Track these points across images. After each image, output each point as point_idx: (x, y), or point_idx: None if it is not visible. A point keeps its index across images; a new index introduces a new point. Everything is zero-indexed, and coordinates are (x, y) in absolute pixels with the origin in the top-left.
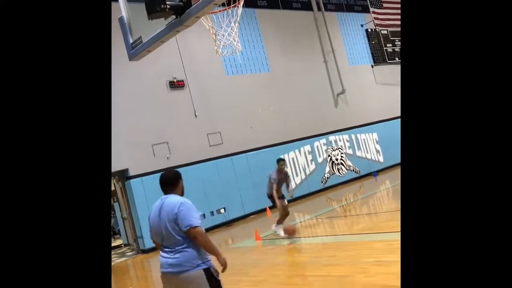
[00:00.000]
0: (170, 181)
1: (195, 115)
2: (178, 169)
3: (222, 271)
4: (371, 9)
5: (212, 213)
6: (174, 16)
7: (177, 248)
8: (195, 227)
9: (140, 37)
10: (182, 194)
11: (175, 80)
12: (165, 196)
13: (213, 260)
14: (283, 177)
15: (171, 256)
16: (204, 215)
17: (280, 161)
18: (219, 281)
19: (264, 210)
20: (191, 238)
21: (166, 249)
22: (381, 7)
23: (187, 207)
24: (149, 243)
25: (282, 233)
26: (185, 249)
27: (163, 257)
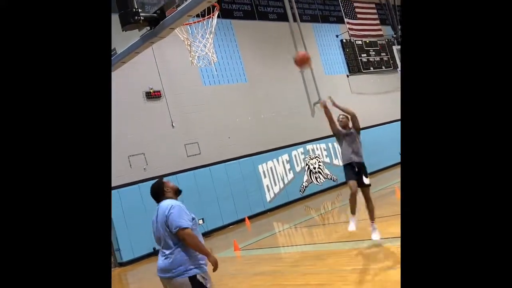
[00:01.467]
0: (155, 191)
1: (172, 125)
2: (155, 180)
3: (214, 271)
4: (346, 20)
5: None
6: (148, 28)
7: (168, 251)
8: (184, 228)
9: (115, 49)
10: (177, 195)
11: (151, 91)
12: (159, 202)
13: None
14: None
15: (162, 260)
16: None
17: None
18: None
19: (243, 220)
20: (182, 241)
21: (161, 253)
22: (355, 18)
23: (177, 209)
24: (126, 256)
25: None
26: (175, 254)
27: (158, 259)
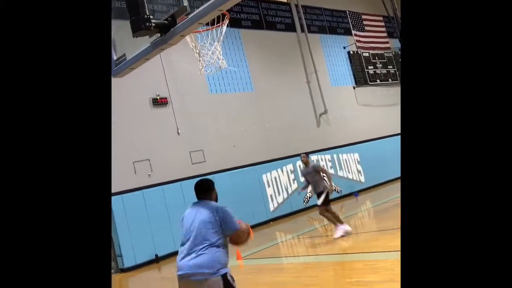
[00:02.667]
0: (207, 187)
1: (178, 132)
2: (160, 187)
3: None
4: (353, 32)
5: None
6: (159, 34)
7: (204, 248)
8: (238, 230)
9: (124, 54)
10: (216, 201)
11: (158, 97)
12: (199, 199)
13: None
14: (309, 171)
15: (193, 257)
16: None
17: (301, 155)
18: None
19: None
20: (221, 243)
21: (187, 250)
22: (363, 30)
23: (230, 212)
24: (128, 262)
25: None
26: (212, 251)
27: (181, 257)
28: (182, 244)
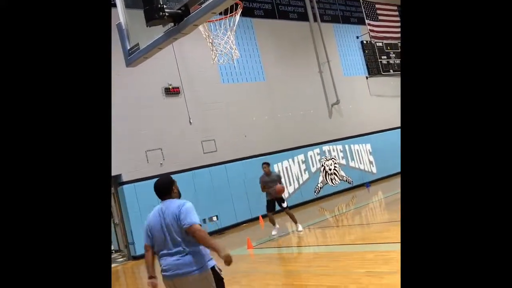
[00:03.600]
0: (165, 188)
1: (190, 122)
2: (172, 176)
3: (228, 265)
4: (367, 21)
5: (204, 220)
6: (172, 24)
7: (181, 249)
8: (196, 224)
9: (138, 44)
10: (179, 197)
11: (170, 87)
12: (164, 201)
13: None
14: (270, 179)
15: (176, 258)
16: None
17: (263, 164)
18: (223, 279)
19: (257, 218)
20: (192, 237)
21: (169, 252)
22: (376, 20)
23: (188, 206)
24: (140, 250)
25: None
26: (192, 248)
27: (165, 260)
28: (159, 247)
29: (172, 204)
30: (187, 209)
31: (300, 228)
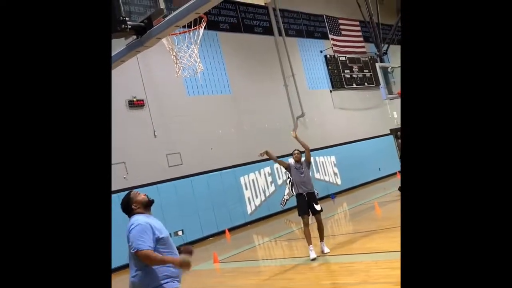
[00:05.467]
0: (124, 207)
1: (155, 135)
2: (137, 189)
3: (187, 268)
4: (330, 36)
5: (170, 235)
6: (135, 36)
7: (135, 269)
8: (141, 250)
9: None
10: (148, 207)
11: (134, 99)
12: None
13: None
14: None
15: (131, 278)
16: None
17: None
18: None
19: (223, 232)
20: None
21: (131, 270)
22: (339, 35)
23: (137, 229)
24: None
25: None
26: (142, 271)
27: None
28: None
29: (128, 224)
30: (134, 233)
31: (326, 249)
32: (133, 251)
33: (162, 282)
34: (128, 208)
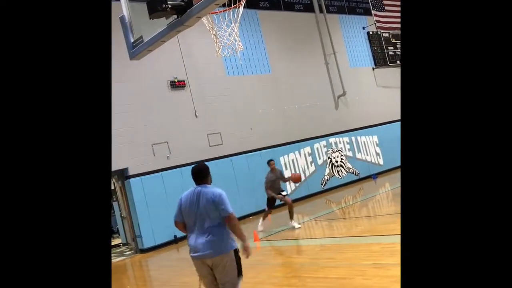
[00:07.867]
0: (203, 173)
1: (196, 115)
2: (178, 169)
3: (246, 257)
4: (373, 12)
5: None
6: (175, 16)
7: (211, 230)
8: (232, 213)
9: (141, 37)
10: (211, 184)
11: (176, 80)
12: (199, 185)
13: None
14: (277, 176)
15: (204, 238)
16: None
17: (270, 161)
18: (240, 259)
19: (262, 211)
20: (224, 223)
21: (199, 233)
22: (383, 10)
23: (225, 196)
24: (147, 243)
25: (296, 225)
26: (220, 231)
27: (195, 241)
28: (189, 227)
29: (208, 190)
30: (225, 198)
31: (296, 225)
32: (226, 214)
33: (232, 241)
34: (206, 175)
